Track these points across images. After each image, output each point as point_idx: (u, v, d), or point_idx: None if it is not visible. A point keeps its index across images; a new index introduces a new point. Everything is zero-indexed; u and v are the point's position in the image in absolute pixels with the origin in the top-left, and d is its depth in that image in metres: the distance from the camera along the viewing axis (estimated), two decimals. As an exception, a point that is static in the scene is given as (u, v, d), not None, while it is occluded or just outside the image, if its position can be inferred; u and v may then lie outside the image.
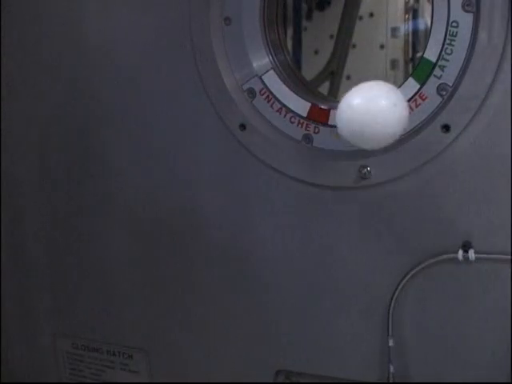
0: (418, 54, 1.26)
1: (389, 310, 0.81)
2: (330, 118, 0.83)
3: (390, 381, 0.82)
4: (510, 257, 0.75)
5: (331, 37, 1.35)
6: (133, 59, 0.93)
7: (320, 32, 1.37)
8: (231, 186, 0.88)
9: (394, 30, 1.37)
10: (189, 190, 0.92)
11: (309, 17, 1.35)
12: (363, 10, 1.35)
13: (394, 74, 1.36)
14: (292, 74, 0.88)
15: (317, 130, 0.84)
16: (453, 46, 0.75)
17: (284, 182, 0.85)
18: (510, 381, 0.77)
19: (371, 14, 1.35)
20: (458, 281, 0.79)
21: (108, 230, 0.98)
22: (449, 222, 0.79)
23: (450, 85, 0.76)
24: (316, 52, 1.38)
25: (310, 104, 0.84)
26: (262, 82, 0.86)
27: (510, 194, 0.75)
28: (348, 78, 1.36)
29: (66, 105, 0.98)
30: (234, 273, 0.92)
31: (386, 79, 1.34)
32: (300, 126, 0.85)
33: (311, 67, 1.34)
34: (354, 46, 1.36)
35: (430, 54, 0.77)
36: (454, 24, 0.75)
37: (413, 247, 0.80)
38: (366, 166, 0.80)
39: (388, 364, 0.82)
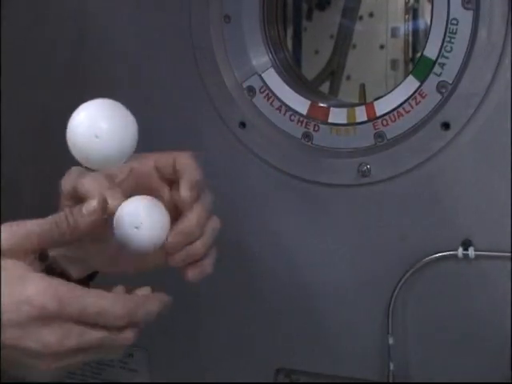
0: (418, 54, 1.26)
1: (389, 307, 0.81)
2: (330, 115, 0.83)
3: (390, 379, 0.82)
4: (509, 254, 0.75)
5: (331, 37, 1.36)
6: (133, 57, 0.93)
7: (320, 32, 1.37)
8: (231, 183, 0.88)
9: (394, 30, 1.37)
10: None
11: (309, 17, 1.35)
12: (363, 10, 1.35)
13: (394, 74, 1.36)
14: (292, 71, 0.88)
15: (316, 128, 0.84)
16: (452, 43, 0.75)
17: (284, 180, 0.85)
18: (510, 381, 0.77)
19: (371, 14, 1.36)
20: (457, 278, 0.79)
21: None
22: (449, 220, 0.79)
23: (450, 82, 0.76)
24: (316, 52, 1.38)
25: (309, 102, 0.84)
26: (262, 79, 0.86)
27: (510, 192, 0.75)
28: (348, 77, 1.36)
29: (65, 103, 0.98)
30: (233, 272, 0.91)
31: (386, 79, 1.35)
32: (300, 123, 0.85)
33: (311, 67, 1.34)
34: (354, 46, 1.36)
35: (430, 51, 0.77)
36: (454, 21, 0.75)
37: (413, 245, 0.80)
38: (366, 164, 0.80)
39: (388, 362, 0.82)
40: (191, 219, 0.56)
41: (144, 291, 0.55)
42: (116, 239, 0.56)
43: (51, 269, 0.61)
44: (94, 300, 0.49)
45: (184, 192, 0.57)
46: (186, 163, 0.59)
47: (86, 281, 0.64)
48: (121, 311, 0.50)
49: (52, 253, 0.61)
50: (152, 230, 0.55)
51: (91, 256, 0.62)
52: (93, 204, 0.54)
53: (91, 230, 0.54)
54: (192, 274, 0.60)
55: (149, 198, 0.56)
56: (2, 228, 0.50)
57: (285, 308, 0.89)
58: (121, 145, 0.54)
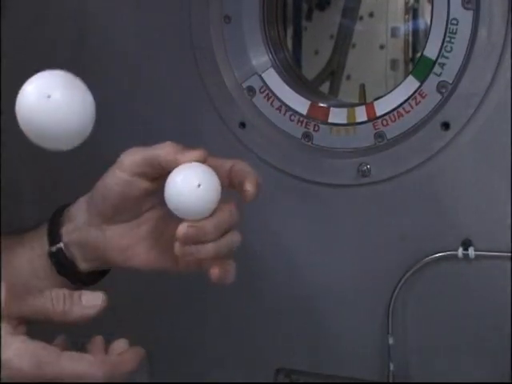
0: (418, 54, 1.26)
1: (389, 307, 0.81)
2: (330, 115, 0.83)
3: (390, 379, 0.82)
4: (509, 254, 0.75)
5: (331, 37, 1.36)
6: (133, 58, 0.93)
7: (320, 32, 1.37)
8: (231, 183, 0.88)
9: (394, 30, 1.37)
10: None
11: (309, 17, 1.35)
12: (363, 10, 1.35)
13: (394, 74, 1.36)
14: (292, 72, 0.88)
15: (316, 128, 0.84)
16: (452, 43, 0.75)
17: (284, 180, 0.85)
18: (510, 381, 0.77)
19: (371, 14, 1.36)
20: (457, 278, 0.79)
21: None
22: (449, 220, 0.79)
23: (450, 82, 0.76)
24: (316, 52, 1.38)
25: (309, 102, 0.84)
26: (262, 80, 0.86)
27: (509, 192, 0.75)
28: (348, 77, 1.36)
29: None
30: (233, 271, 0.91)
31: (386, 79, 1.35)
32: (300, 123, 0.85)
33: (311, 67, 1.34)
34: (353, 46, 1.36)
35: (430, 51, 0.77)
36: (454, 21, 0.75)
37: (413, 245, 0.80)
38: (366, 164, 0.80)
39: (388, 362, 0.82)
40: (211, 219, 0.56)
41: (121, 344, 0.55)
42: (170, 203, 0.55)
43: (60, 254, 0.62)
44: (71, 364, 0.50)
45: (249, 187, 0.57)
46: (245, 167, 0.59)
47: (97, 276, 0.65)
48: (97, 374, 0.51)
49: (65, 238, 0.62)
50: (210, 191, 0.55)
51: (107, 245, 0.61)
52: (97, 298, 0.54)
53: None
54: (213, 272, 0.59)
55: (202, 164, 0.56)
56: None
57: (285, 308, 0.89)
58: (79, 117, 0.50)
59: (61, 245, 0.62)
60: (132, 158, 0.58)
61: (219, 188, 0.56)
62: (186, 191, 0.54)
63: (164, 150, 0.57)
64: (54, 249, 0.62)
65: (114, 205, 0.60)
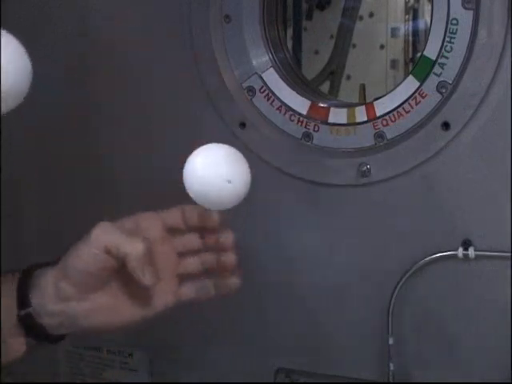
0: (418, 54, 1.26)
1: (389, 307, 0.81)
2: (330, 115, 0.83)
3: (390, 379, 0.82)
4: (509, 254, 0.75)
5: (331, 37, 1.36)
6: (132, 57, 0.93)
7: (320, 32, 1.37)
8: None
9: (394, 30, 1.37)
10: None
11: (309, 17, 1.35)
12: (363, 10, 1.35)
13: (394, 74, 1.36)
14: (292, 71, 0.88)
15: (316, 128, 0.84)
16: (452, 43, 0.75)
17: (284, 180, 0.85)
18: (510, 381, 0.77)
19: (371, 14, 1.36)
20: (457, 278, 0.79)
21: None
22: (449, 220, 0.79)
23: (450, 82, 0.76)
24: (316, 52, 1.38)
25: (309, 102, 0.85)
26: (262, 79, 0.86)
27: (509, 192, 0.75)
28: (348, 77, 1.36)
29: (65, 105, 0.98)
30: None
31: (386, 79, 1.35)
32: (300, 123, 0.85)
33: (311, 67, 1.34)
34: (354, 46, 1.36)
35: (430, 51, 0.77)
36: (454, 21, 0.75)
37: (413, 245, 0.80)
38: (366, 164, 0.80)
39: (388, 362, 0.82)
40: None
41: None
42: (195, 196, 0.51)
43: (29, 318, 0.60)
44: None
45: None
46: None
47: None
48: None
49: (35, 306, 0.60)
50: (242, 183, 0.50)
51: (79, 312, 0.61)
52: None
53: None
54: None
55: (226, 147, 0.50)
56: None
57: (285, 308, 0.90)
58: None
59: (30, 310, 0.61)
60: (104, 240, 0.58)
61: (249, 177, 0.51)
62: (215, 187, 0.49)
63: (132, 248, 0.57)
64: (22, 313, 0.61)
65: (89, 277, 0.59)
